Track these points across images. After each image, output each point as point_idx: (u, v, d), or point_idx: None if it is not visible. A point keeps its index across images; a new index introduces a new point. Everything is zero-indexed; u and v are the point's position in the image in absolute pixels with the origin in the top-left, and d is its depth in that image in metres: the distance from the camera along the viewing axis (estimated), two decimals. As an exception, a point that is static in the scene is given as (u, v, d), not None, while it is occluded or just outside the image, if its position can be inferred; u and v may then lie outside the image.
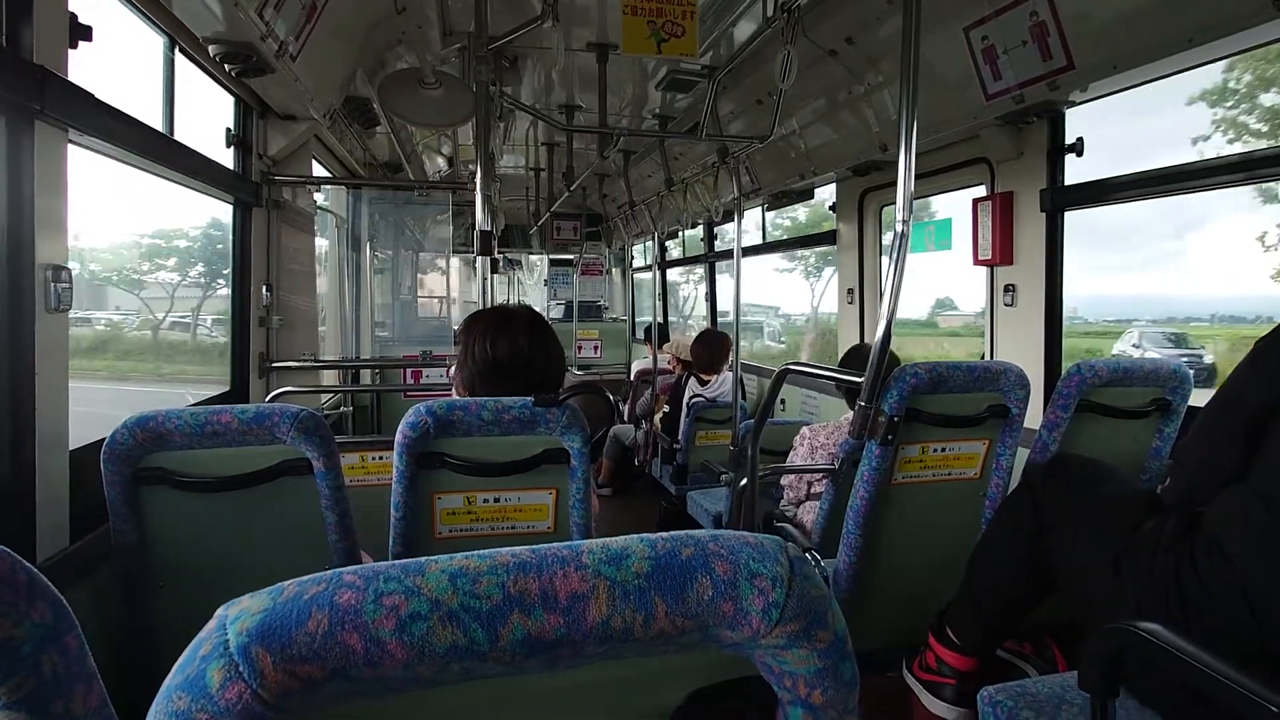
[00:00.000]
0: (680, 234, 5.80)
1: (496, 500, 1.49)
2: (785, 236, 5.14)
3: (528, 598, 0.40)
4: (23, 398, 1.32)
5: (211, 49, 1.88)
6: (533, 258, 7.50)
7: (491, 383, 1.48)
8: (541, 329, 1.58)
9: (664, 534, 0.46)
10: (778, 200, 4.19)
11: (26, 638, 0.48)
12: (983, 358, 2.74)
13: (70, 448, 1.48)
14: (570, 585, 0.41)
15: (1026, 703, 1.29)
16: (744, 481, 2.10)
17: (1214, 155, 2.08)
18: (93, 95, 1.44)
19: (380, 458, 2.31)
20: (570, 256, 6.96)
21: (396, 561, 0.42)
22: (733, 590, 0.43)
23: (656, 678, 0.48)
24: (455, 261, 5.80)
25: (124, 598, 1.48)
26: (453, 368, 1.58)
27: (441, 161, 5.14)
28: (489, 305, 2.08)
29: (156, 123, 1.92)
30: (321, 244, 3.50)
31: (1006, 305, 2.59)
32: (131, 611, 1.49)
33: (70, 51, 1.37)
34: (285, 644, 0.37)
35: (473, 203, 2.47)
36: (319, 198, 3.00)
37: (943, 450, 1.81)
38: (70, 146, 1.43)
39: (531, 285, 7.66)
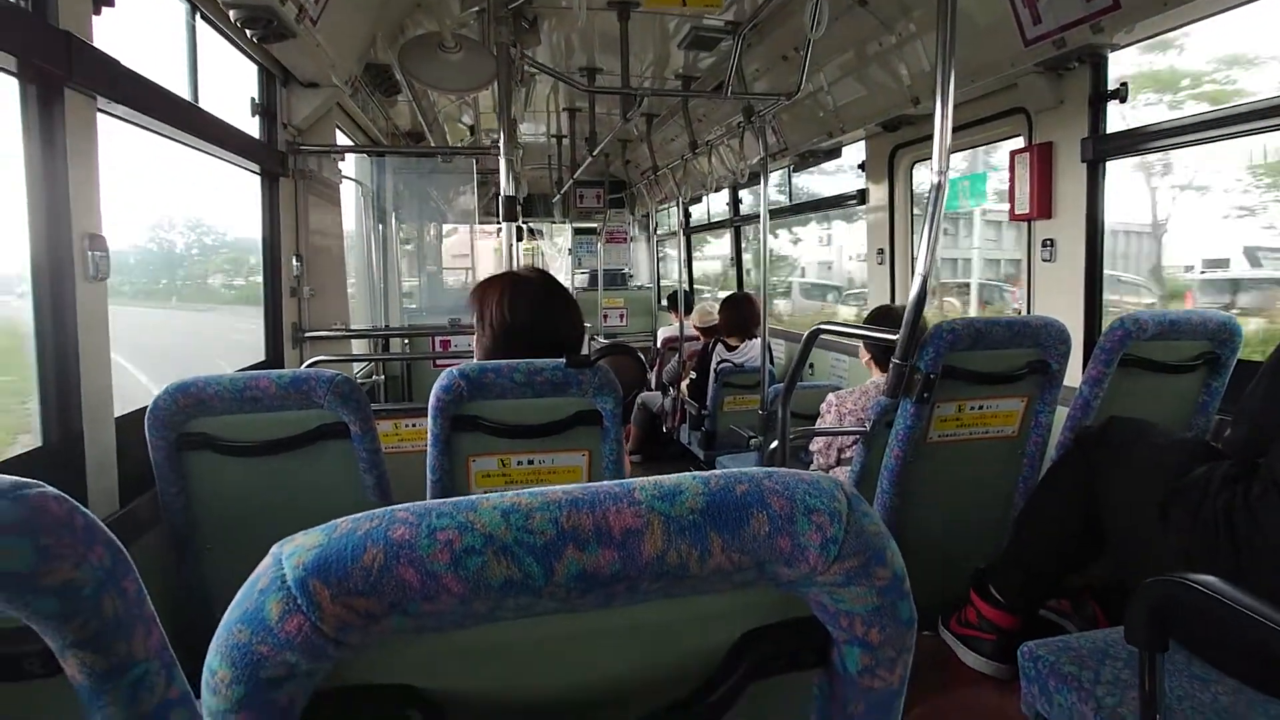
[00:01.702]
0: (705, 199, 5.72)
1: (530, 462, 1.50)
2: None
3: (582, 532, 0.40)
4: (68, 367, 1.35)
5: (232, 14, 1.86)
6: (556, 227, 7.46)
7: (510, 347, 1.46)
8: (557, 289, 1.55)
9: (715, 472, 0.45)
10: (804, 161, 4.09)
11: (88, 580, 0.49)
12: (1018, 314, 2.67)
13: (116, 414, 1.52)
14: (624, 520, 0.40)
15: (1069, 658, 1.27)
16: (774, 445, 2.08)
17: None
18: (119, 62, 1.44)
19: (413, 424, 2.34)
20: (594, 225, 6.91)
21: (447, 499, 0.41)
22: (790, 525, 0.42)
23: (709, 617, 0.48)
24: (479, 231, 5.80)
25: (174, 559, 1.53)
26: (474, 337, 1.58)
27: (464, 129, 5.11)
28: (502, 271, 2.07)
29: (182, 90, 1.92)
30: (349, 214, 3.52)
31: (1045, 260, 2.51)
32: (181, 571, 1.54)
33: (95, 18, 1.37)
34: (342, 577, 0.37)
35: (496, 171, 2.44)
36: (343, 167, 3.00)
37: (980, 408, 1.77)
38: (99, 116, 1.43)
39: (555, 254, 7.64)
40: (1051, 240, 2.48)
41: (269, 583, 0.38)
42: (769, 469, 0.45)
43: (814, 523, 0.42)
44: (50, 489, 0.49)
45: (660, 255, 7.13)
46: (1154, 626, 0.98)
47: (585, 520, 0.40)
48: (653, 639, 0.47)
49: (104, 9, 1.39)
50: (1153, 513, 1.33)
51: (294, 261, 2.64)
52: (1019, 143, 2.59)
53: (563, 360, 1.41)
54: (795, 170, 4.48)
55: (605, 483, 0.43)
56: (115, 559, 0.52)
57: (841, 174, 4.40)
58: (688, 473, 0.44)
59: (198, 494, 1.51)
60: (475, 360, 1.58)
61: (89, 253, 1.35)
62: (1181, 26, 2.06)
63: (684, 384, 4.36)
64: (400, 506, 0.41)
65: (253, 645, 0.37)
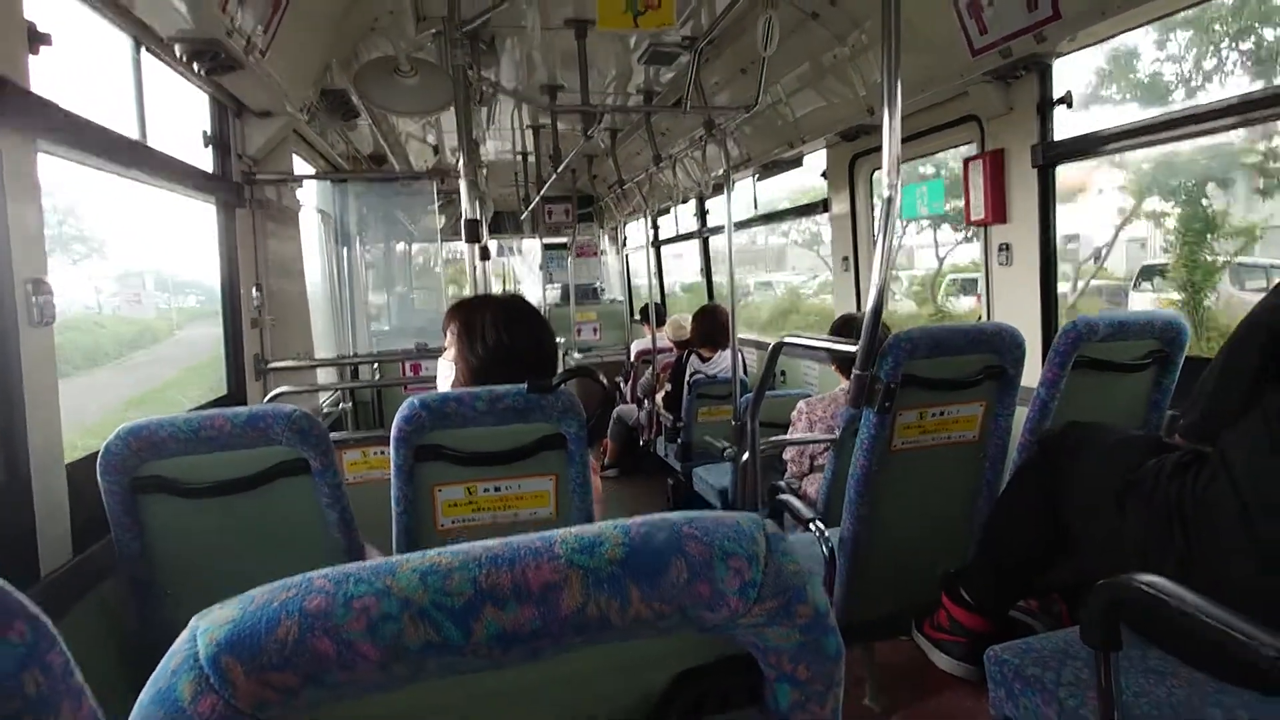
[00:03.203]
0: (673, 211, 5.75)
1: (497, 489, 1.49)
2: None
3: (499, 591, 0.40)
4: (13, 414, 1.31)
5: (178, 48, 1.85)
6: (525, 243, 7.44)
7: (507, 372, 1.46)
8: (540, 315, 1.60)
9: (640, 518, 0.45)
10: (768, 171, 4.14)
11: (6, 658, 0.47)
12: (979, 319, 2.72)
13: (67, 460, 1.48)
14: (542, 576, 0.40)
15: (1031, 659, 1.29)
16: (745, 456, 2.10)
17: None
18: (57, 105, 1.41)
19: (382, 453, 2.31)
20: (564, 240, 6.91)
21: (369, 563, 0.41)
22: (709, 571, 0.42)
23: (643, 661, 0.48)
24: (448, 251, 5.77)
25: (131, 607, 1.49)
26: (443, 359, 1.57)
27: (428, 150, 5.09)
28: (478, 294, 2.06)
29: (131, 126, 1.90)
30: (311, 241, 3.48)
31: (1002, 265, 2.56)
32: (141, 618, 1.50)
33: (32, 58, 1.35)
34: (255, 653, 0.37)
35: (460, 191, 2.44)
36: (301, 195, 2.97)
37: (940, 414, 1.80)
38: (41, 156, 1.41)
39: (526, 271, 7.61)
40: (1008, 245, 2.54)
41: (181, 661, 0.37)
42: (691, 514, 0.45)
43: (731, 567, 0.42)
44: None
45: (632, 269, 7.15)
46: (1107, 627, 1.00)
47: (504, 578, 0.40)
48: (586, 688, 0.48)
49: (41, 49, 1.36)
50: (1110, 507, 1.36)
51: (254, 292, 2.60)
52: (973, 149, 2.65)
53: (524, 386, 1.40)
54: (760, 179, 4.53)
55: (528, 535, 0.43)
56: (38, 634, 0.50)
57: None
58: (610, 522, 0.45)
59: (155, 538, 1.47)
60: (442, 379, 1.57)
61: (33, 298, 1.32)
62: (1121, 34, 2.13)
63: (659, 396, 4.37)
64: (320, 573, 0.41)
65: None
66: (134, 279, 7.31)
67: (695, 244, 5.57)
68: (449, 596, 0.39)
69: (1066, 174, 2.45)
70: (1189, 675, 1.20)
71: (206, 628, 0.38)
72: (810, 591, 0.45)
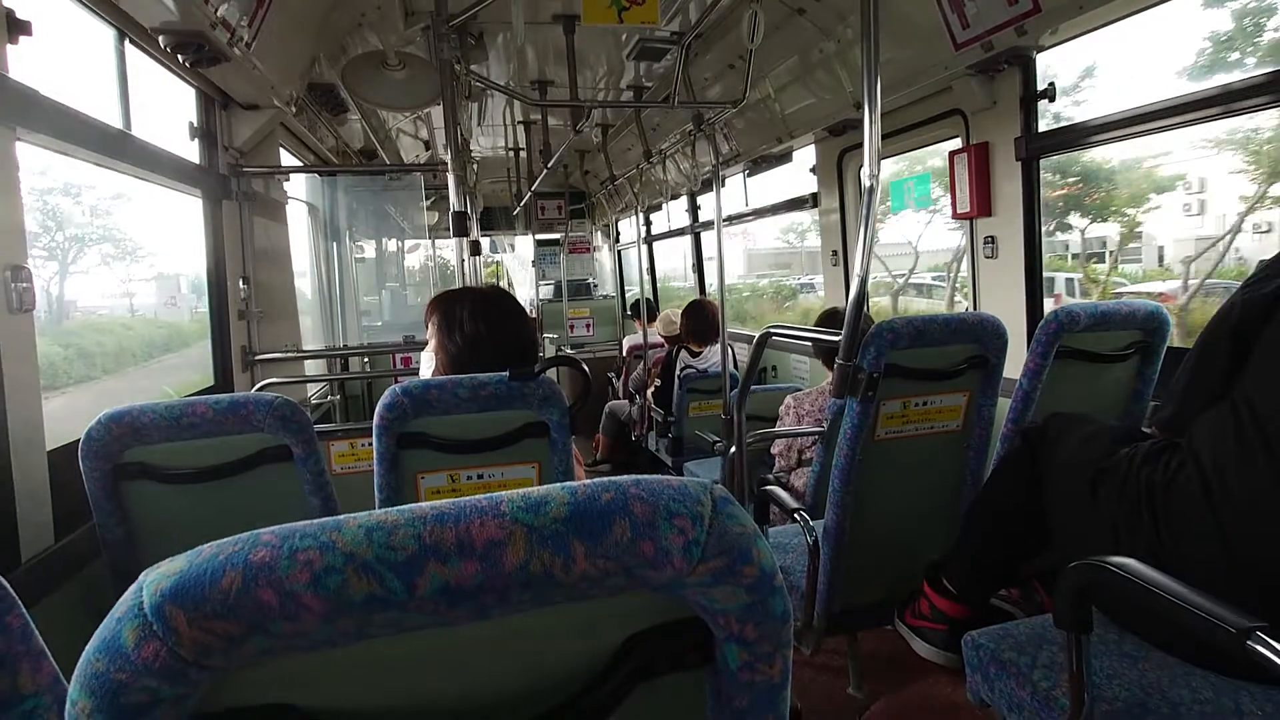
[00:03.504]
0: (664, 206, 5.76)
1: (480, 477, 1.49)
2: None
3: (444, 546, 0.40)
4: None
5: (162, 39, 1.84)
6: (518, 239, 7.44)
7: (483, 361, 1.48)
8: (520, 306, 1.62)
9: (588, 481, 0.46)
10: (758, 166, 4.15)
11: None
12: (966, 310, 2.74)
13: (49, 447, 1.48)
14: (487, 533, 0.41)
15: (1008, 644, 1.31)
16: (733, 449, 2.11)
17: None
18: (38, 91, 1.41)
19: (368, 444, 2.32)
20: (556, 236, 6.92)
21: (316, 520, 0.42)
22: (651, 530, 0.43)
23: (594, 623, 0.49)
24: (440, 246, 5.76)
25: (113, 592, 1.49)
26: (425, 351, 1.58)
27: (419, 145, 5.09)
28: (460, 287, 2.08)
29: (115, 118, 1.89)
30: (301, 234, 3.48)
31: (988, 257, 2.58)
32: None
33: (11, 47, 1.35)
34: (199, 601, 0.37)
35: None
36: (289, 188, 2.97)
37: (924, 404, 1.81)
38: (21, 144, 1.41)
39: (518, 268, 7.61)
40: (993, 237, 2.55)
41: (125, 610, 0.38)
42: (639, 477, 0.46)
43: (676, 526, 0.43)
44: None
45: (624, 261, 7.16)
46: (1078, 609, 1.02)
47: (448, 534, 0.41)
48: (536, 647, 0.48)
49: (21, 38, 1.36)
50: (1084, 493, 1.38)
51: (240, 284, 2.60)
52: (958, 143, 2.66)
53: (506, 374, 1.41)
54: (750, 174, 4.54)
55: (476, 497, 0.44)
56: None
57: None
58: (559, 484, 0.45)
59: (138, 524, 1.48)
60: (424, 371, 1.58)
61: (12, 284, 1.33)
62: (1101, 27, 2.14)
63: (650, 391, 4.38)
64: (266, 530, 0.41)
65: (110, 674, 0.37)
66: (169, 281, 7.23)
67: (727, 235, 5.50)
68: (393, 551, 0.40)
69: (1165, 165, 2.45)
70: (1161, 659, 1.21)
71: (154, 579, 0.39)
72: (756, 552, 0.46)
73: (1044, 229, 2.47)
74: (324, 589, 0.39)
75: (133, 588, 0.39)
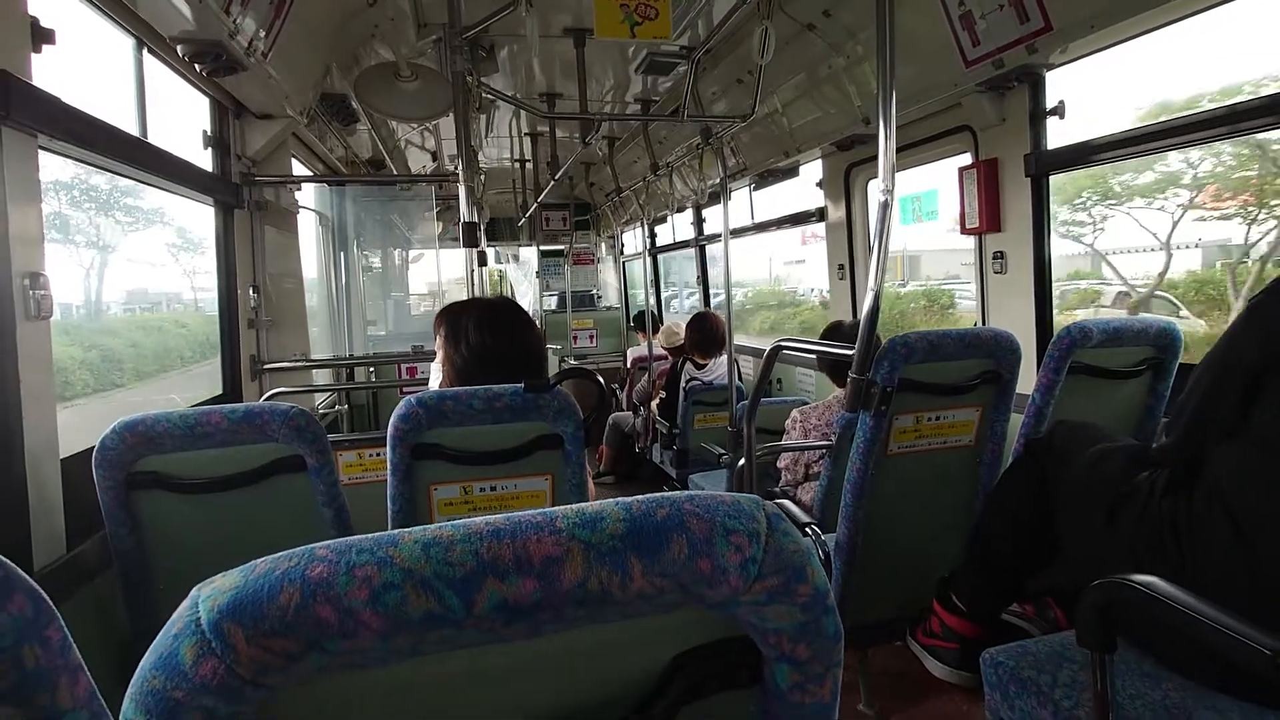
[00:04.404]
0: (669, 219, 5.78)
1: (493, 488, 1.49)
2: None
3: (501, 563, 0.40)
4: (8, 408, 1.31)
5: (180, 49, 1.85)
6: (522, 250, 7.46)
7: (489, 373, 1.48)
8: (526, 315, 1.61)
9: (641, 497, 0.45)
10: (764, 180, 4.17)
11: (5, 630, 0.48)
12: (975, 325, 2.74)
13: (61, 455, 1.48)
14: (544, 549, 0.41)
15: (1028, 662, 1.29)
16: (741, 462, 2.10)
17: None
18: (59, 100, 1.42)
19: (377, 454, 2.31)
20: (561, 247, 6.94)
21: (369, 535, 0.41)
22: (709, 547, 0.43)
23: (643, 640, 0.48)
24: (445, 256, 5.77)
25: (124, 602, 1.48)
26: (434, 362, 1.58)
27: (426, 156, 5.11)
28: (468, 298, 2.08)
29: (131, 125, 1.90)
30: (309, 243, 3.48)
31: (997, 273, 2.58)
32: (134, 614, 1.49)
33: (35, 56, 1.36)
34: (258, 618, 0.37)
35: (458, 196, 2.45)
36: (300, 197, 2.98)
37: (937, 419, 1.81)
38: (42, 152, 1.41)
39: (521, 278, 7.63)
40: (1002, 253, 2.56)
41: (183, 627, 0.38)
42: (692, 492, 0.46)
43: (732, 543, 0.43)
44: None
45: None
46: (1102, 628, 1.01)
47: (505, 551, 0.40)
48: (587, 665, 0.48)
49: (44, 47, 1.37)
50: (1100, 518, 1.37)
51: (250, 293, 2.60)
52: (967, 159, 2.67)
53: (521, 385, 1.41)
54: (756, 189, 4.55)
55: (530, 512, 0.44)
56: (37, 608, 0.50)
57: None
58: (611, 500, 0.45)
59: (150, 534, 1.47)
60: (433, 382, 1.58)
61: (30, 291, 1.32)
62: (1112, 46, 2.16)
63: (654, 403, 4.37)
64: (321, 544, 0.41)
65: (167, 691, 0.37)
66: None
67: (758, 241, 5.43)
68: (451, 567, 0.39)
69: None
70: (1182, 681, 1.20)
71: (209, 594, 0.38)
72: (811, 571, 0.45)
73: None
74: (382, 605, 0.38)
75: (186, 603, 0.39)
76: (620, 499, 0.45)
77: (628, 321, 6.63)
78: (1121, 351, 1.88)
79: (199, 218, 2.52)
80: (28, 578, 0.51)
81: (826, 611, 0.46)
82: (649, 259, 6.06)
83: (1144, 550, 1.26)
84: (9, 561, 0.50)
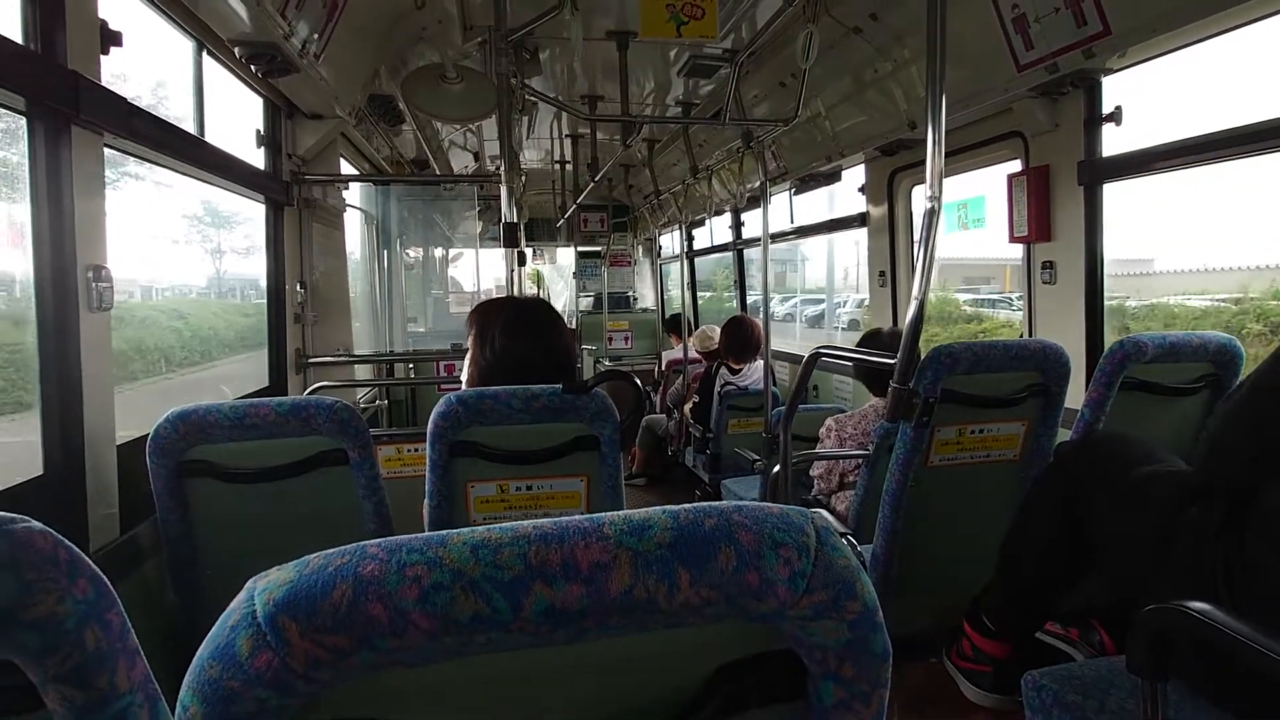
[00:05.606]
0: (707, 222, 5.76)
1: (529, 488, 1.50)
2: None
3: (549, 568, 0.40)
4: (71, 395, 1.36)
5: (237, 50, 1.91)
6: (559, 251, 7.52)
7: (510, 377, 1.47)
8: (555, 316, 1.60)
9: (688, 506, 0.45)
10: (805, 184, 4.13)
11: (70, 613, 0.49)
12: (1021, 336, 2.67)
13: (117, 442, 1.53)
14: (592, 555, 0.41)
15: (1073, 686, 1.25)
16: (776, 468, 2.08)
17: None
18: (125, 100, 1.47)
19: (415, 450, 2.35)
20: (598, 248, 6.97)
21: (418, 535, 0.42)
22: (757, 560, 0.42)
23: (686, 650, 0.48)
24: (484, 256, 5.85)
25: (173, 585, 1.53)
26: (466, 359, 1.59)
27: (468, 157, 5.18)
28: (502, 297, 2.09)
29: (189, 124, 1.97)
30: (354, 241, 3.56)
31: (1045, 283, 2.51)
32: (181, 597, 1.54)
33: (103, 58, 1.41)
34: (311, 614, 0.38)
35: (499, 197, 2.48)
36: (346, 195, 3.05)
37: (980, 431, 1.76)
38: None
39: (558, 278, 7.69)
40: (1051, 263, 2.48)
41: (240, 618, 0.38)
42: (740, 503, 0.45)
43: (781, 556, 0.42)
44: (36, 524, 0.50)
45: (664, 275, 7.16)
46: (1155, 655, 0.97)
47: (553, 555, 0.40)
48: (629, 673, 0.47)
49: (112, 49, 1.43)
50: (1147, 549, 1.31)
51: (298, 289, 2.67)
52: (1016, 165, 2.60)
53: (559, 386, 1.41)
54: (797, 193, 4.51)
55: (577, 517, 0.44)
56: (99, 592, 0.52)
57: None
58: (659, 507, 0.45)
59: (199, 521, 1.52)
60: (464, 381, 1.59)
61: (93, 284, 1.38)
62: (1174, 51, 2.08)
63: (687, 407, 4.36)
64: (373, 542, 0.41)
65: (224, 681, 0.38)
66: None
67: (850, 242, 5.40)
68: (499, 570, 0.39)
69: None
70: (1238, 715, 1.15)
71: (265, 588, 0.39)
72: (860, 587, 0.44)
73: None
74: (432, 605, 0.38)
75: (242, 595, 0.40)
76: (667, 507, 0.45)
77: (663, 324, 6.63)
78: (1178, 367, 1.81)
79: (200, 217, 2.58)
80: (90, 562, 0.53)
81: (875, 629, 0.45)
82: (686, 261, 6.06)
83: (1191, 581, 1.21)
84: (74, 546, 0.52)
